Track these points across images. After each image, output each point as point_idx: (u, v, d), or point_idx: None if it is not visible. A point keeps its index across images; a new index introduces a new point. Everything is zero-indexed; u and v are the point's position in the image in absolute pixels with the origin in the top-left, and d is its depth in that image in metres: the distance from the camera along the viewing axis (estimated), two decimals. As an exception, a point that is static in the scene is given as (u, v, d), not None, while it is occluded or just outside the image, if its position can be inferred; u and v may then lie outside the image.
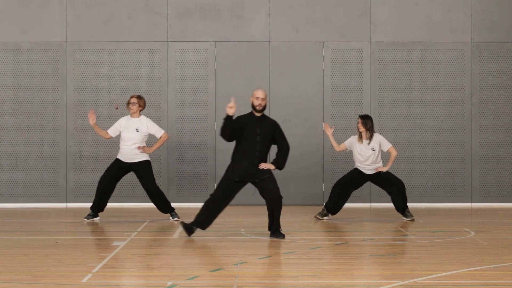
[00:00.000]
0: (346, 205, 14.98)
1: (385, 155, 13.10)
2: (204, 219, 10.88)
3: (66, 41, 15.09)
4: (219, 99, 15.09)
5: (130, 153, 12.59)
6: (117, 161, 12.67)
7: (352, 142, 12.95)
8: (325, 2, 15.20)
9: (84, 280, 7.91)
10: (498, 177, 15.23)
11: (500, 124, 15.22)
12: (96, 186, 12.74)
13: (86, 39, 15.09)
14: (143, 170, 12.58)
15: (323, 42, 15.21)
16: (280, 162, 10.88)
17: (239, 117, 10.82)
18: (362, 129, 12.84)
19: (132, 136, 12.59)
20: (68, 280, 7.90)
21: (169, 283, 7.77)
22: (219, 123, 15.03)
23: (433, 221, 12.93)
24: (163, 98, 14.99)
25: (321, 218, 12.99)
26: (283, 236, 10.77)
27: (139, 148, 12.56)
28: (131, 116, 12.72)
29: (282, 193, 10.63)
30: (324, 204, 13.12)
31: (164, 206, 12.77)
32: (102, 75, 15.11)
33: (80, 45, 15.09)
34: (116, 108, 14.93)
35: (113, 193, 14.95)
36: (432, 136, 15.20)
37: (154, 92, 15.05)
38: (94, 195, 12.75)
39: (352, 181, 12.95)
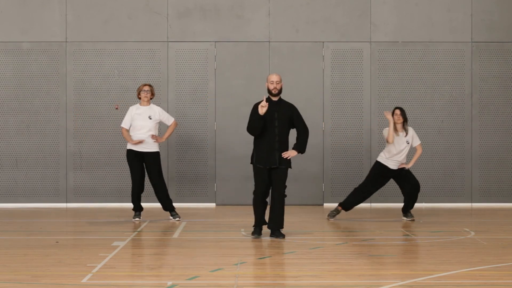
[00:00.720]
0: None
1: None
2: (261, 217, 10.88)
3: (66, 41, 15.09)
4: (219, 99, 15.10)
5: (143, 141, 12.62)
6: (130, 152, 12.66)
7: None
8: (325, 2, 15.20)
9: (84, 280, 7.91)
10: (498, 177, 15.22)
11: (500, 124, 15.22)
12: (131, 190, 12.72)
13: (86, 39, 15.09)
14: (153, 161, 12.62)
15: (323, 42, 15.21)
16: (301, 147, 10.90)
17: (257, 105, 10.83)
18: (400, 120, 12.77)
19: (145, 124, 12.63)
20: (68, 280, 7.90)
21: (169, 283, 7.77)
22: (219, 123, 15.08)
23: (433, 221, 12.93)
24: (163, 98, 14.98)
25: (332, 219, 12.93)
26: (283, 236, 10.77)
27: (153, 137, 12.58)
28: (140, 105, 12.75)
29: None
30: (339, 203, 13.02)
31: (165, 202, 12.74)
32: (102, 75, 15.11)
33: (80, 45, 15.09)
34: (116, 108, 14.91)
35: (112, 193, 15.03)
36: (432, 136, 15.19)
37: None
38: (131, 198, 12.72)
39: (376, 184, 12.82)
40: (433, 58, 15.19)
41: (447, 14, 15.22)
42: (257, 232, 10.91)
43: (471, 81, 15.18)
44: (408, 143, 12.78)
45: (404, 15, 15.20)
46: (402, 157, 12.77)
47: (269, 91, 10.86)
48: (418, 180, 13.04)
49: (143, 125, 12.62)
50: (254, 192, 10.86)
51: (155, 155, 12.66)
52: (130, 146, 12.66)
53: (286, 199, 10.85)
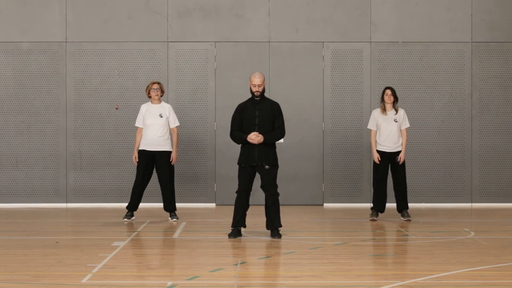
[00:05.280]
0: (346, 205, 15.02)
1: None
2: (241, 217, 10.86)
3: (66, 41, 15.08)
4: (219, 99, 15.10)
5: (154, 140, 12.56)
6: (142, 152, 12.62)
7: (375, 117, 12.86)
8: (325, 2, 15.20)
9: (84, 280, 7.91)
10: (498, 177, 15.22)
11: (500, 124, 15.22)
12: (132, 186, 12.68)
13: (86, 39, 15.09)
14: (165, 160, 12.56)
15: (323, 42, 15.21)
16: (268, 136, 10.74)
17: (239, 108, 10.91)
18: (391, 100, 12.81)
19: (156, 122, 12.62)
20: (68, 280, 7.90)
21: (169, 283, 7.78)
22: (219, 123, 15.08)
23: (433, 221, 12.93)
24: (163, 98, 14.96)
25: (376, 218, 12.89)
26: (279, 236, 10.75)
27: (173, 163, 12.62)
28: (152, 103, 12.74)
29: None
30: (372, 206, 13.01)
31: (170, 203, 12.67)
32: (102, 75, 15.11)
33: (80, 45, 15.09)
34: (116, 108, 14.93)
35: (112, 193, 15.02)
36: (432, 136, 15.19)
37: (154, 92, 15.03)
38: (131, 194, 12.68)
39: (379, 172, 12.75)
40: (433, 58, 15.19)
41: (447, 14, 15.22)
42: (233, 234, 10.82)
43: (471, 81, 15.18)
44: (396, 121, 12.79)
45: (404, 15, 15.20)
46: (393, 138, 12.74)
47: (252, 93, 10.92)
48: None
49: (153, 123, 12.61)
50: (237, 191, 10.87)
51: (167, 155, 12.61)
52: (142, 146, 12.62)
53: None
